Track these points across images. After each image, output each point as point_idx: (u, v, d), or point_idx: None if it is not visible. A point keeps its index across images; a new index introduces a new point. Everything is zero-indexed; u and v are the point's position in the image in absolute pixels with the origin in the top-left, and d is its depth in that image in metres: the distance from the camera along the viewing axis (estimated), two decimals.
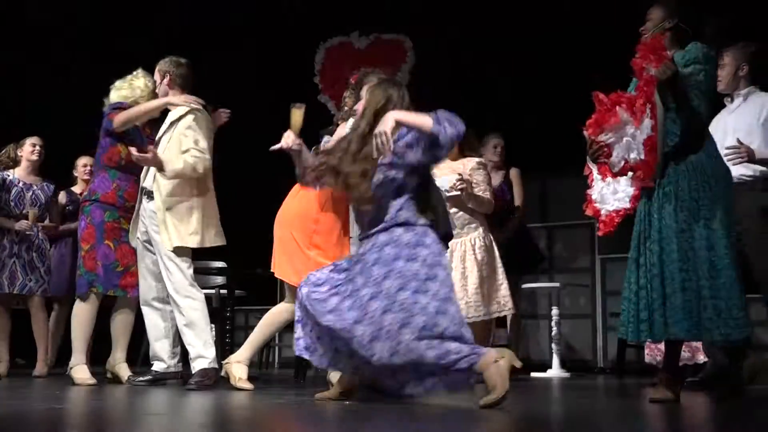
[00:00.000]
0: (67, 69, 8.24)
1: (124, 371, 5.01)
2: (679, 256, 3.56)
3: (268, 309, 4.64)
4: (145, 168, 4.88)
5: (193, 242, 4.74)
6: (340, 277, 3.60)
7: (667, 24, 3.73)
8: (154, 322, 4.88)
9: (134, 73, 5.24)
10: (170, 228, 4.70)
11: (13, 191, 6.08)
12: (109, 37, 8.25)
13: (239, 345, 4.81)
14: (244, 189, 7.44)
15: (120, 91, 5.18)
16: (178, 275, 4.70)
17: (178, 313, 4.71)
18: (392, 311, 3.35)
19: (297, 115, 4.13)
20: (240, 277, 6.65)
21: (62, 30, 8.40)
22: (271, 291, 7.15)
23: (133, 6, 8.32)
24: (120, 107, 5.05)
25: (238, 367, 4.50)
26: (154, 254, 4.83)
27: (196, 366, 4.63)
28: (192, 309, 4.69)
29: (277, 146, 4.03)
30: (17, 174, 6.16)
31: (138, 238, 4.89)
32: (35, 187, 6.15)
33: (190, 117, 4.79)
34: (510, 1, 7.43)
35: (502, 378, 3.19)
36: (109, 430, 2.60)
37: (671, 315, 3.53)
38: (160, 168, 4.68)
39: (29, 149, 6.18)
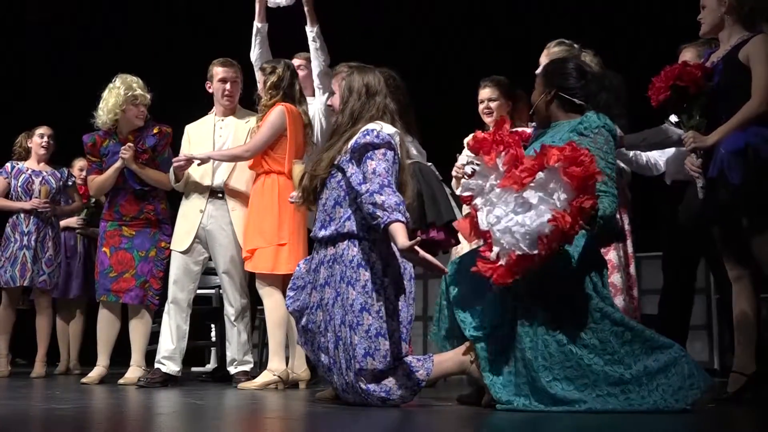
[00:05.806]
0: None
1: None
2: None
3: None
4: (210, 165, 4.80)
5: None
6: (306, 282, 3.47)
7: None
8: (178, 324, 4.81)
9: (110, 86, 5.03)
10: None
11: (21, 178, 5.99)
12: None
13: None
14: None
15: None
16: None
17: (237, 320, 4.74)
18: (339, 348, 3.29)
19: (297, 170, 4.15)
20: None
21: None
22: None
23: None
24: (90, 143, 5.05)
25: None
26: (203, 256, 4.85)
27: (242, 369, 4.75)
28: (247, 317, 4.82)
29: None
30: (28, 164, 6.07)
31: (196, 239, 4.81)
32: (45, 173, 6.03)
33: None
34: None
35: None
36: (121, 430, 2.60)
37: None
38: None
39: (38, 141, 6.07)
